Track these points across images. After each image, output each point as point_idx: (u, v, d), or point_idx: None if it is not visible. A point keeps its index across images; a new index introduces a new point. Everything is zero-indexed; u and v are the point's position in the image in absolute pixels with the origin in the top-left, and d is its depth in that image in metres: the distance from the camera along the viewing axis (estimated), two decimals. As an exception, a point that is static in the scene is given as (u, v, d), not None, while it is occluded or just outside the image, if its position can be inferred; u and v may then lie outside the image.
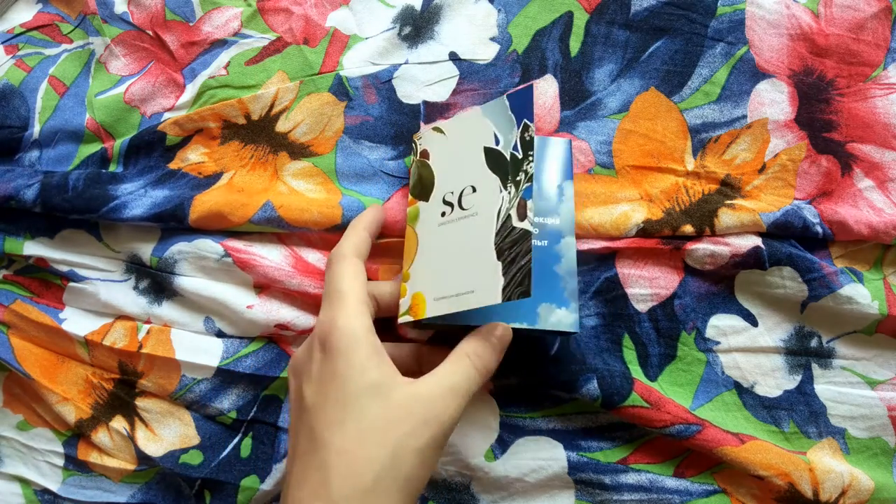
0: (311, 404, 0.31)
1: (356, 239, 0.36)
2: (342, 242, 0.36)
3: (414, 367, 0.37)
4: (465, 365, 0.32)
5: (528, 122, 0.35)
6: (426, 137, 0.40)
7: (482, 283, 0.33)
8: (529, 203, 0.33)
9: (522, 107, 0.36)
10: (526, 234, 0.32)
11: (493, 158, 0.36)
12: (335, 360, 0.31)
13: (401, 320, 0.36)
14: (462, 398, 0.31)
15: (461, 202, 0.36)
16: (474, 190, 0.36)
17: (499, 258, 0.33)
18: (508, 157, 0.35)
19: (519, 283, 0.31)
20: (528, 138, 0.35)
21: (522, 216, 0.33)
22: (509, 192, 0.34)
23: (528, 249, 0.32)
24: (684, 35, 0.43)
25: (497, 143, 0.36)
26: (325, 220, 0.41)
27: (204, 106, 0.44)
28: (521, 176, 0.34)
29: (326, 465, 0.29)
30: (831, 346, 0.41)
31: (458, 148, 0.38)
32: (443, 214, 0.37)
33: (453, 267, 0.35)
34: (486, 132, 0.37)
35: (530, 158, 0.34)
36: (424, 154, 0.40)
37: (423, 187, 0.39)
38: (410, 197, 0.39)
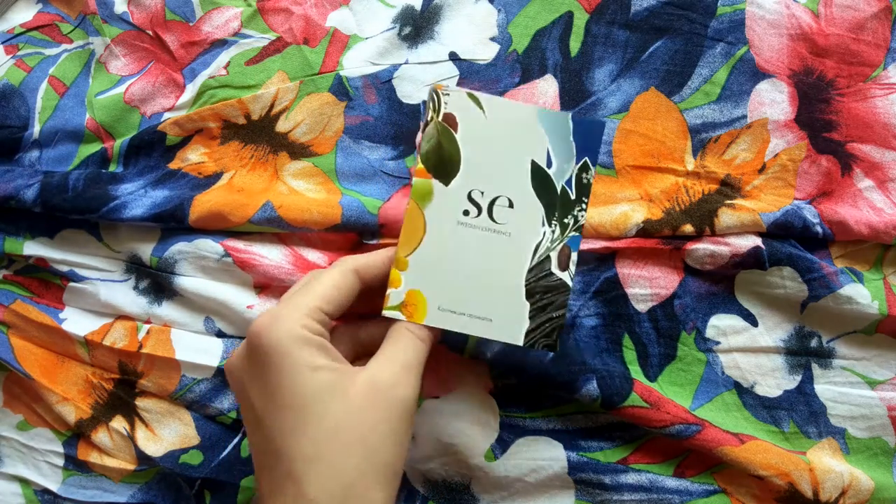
0: (263, 414, 0.29)
1: (367, 258, 0.33)
2: (351, 256, 0.34)
3: (355, 346, 0.35)
4: (410, 338, 0.32)
5: (591, 163, 0.33)
6: (455, 99, 0.34)
7: (504, 317, 0.32)
8: (574, 255, 0.32)
9: (588, 140, 0.33)
10: (564, 288, 0.32)
11: (541, 180, 0.33)
12: (280, 363, 0.28)
13: (387, 313, 0.33)
14: (416, 372, 0.31)
15: (492, 211, 0.33)
16: (511, 205, 0.33)
17: (528, 298, 0.32)
18: (559, 190, 0.32)
19: (546, 335, 0.31)
20: (585, 181, 0.32)
21: (564, 265, 0.32)
22: (552, 231, 0.32)
23: (564, 304, 0.31)
24: (684, 35, 0.43)
25: (549, 164, 0.33)
26: (325, 219, 0.41)
27: (204, 106, 0.44)
28: (570, 220, 0.32)
29: (296, 474, 0.27)
30: (831, 346, 0.41)
31: (497, 140, 0.34)
32: (466, 213, 0.33)
33: (471, 282, 0.32)
34: (538, 143, 0.33)
35: (584, 205, 0.32)
36: (450, 120, 0.34)
37: (442, 163, 0.33)
38: (420, 165, 0.34)
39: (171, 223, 0.42)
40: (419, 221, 0.33)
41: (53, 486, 0.43)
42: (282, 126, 0.44)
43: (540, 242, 0.32)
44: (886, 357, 0.40)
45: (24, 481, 0.44)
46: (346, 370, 0.30)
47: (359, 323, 0.35)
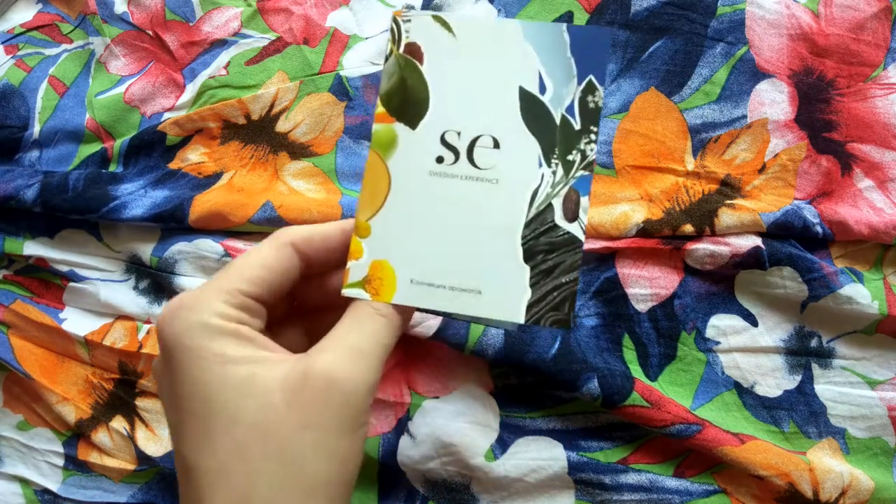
0: (170, 421, 0.24)
1: (313, 229, 0.27)
2: (293, 227, 0.28)
3: (313, 340, 0.29)
4: (366, 316, 0.25)
5: (597, 82, 0.26)
6: (419, 25, 0.28)
7: (497, 288, 0.26)
8: (584, 201, 0.26)
9: (591, 54, 0.26)
10: (574, 243, 0.25)
11: (534, 110, 0.26)
12: (183, 359, 0.23)
13: (347, 292, 0.26)
14: (371, 358, 0.24)
15: (472, 154, 0.27)
16: (496, 144, 0.27)
17: (527, 260, 0.26)
18: (558, 120, 0.26)
19: (555, 307, 0.25)
20: (592, 105, 0.26)
21: (572, 215, 0.26)
22: (553, 171, 0.26)
23: (576, 265, 0.25)
24: (684, 35, 0.43)
25: (542, 90, 0.27)
26: (325, 219, 0.41)
27: (204, 106, 0.44)
28: (576, 156, 0.26)
29: (200, 493, 0.23)
30: (831, 346, 0.41)
31: (475, 68, 0.27)
32: (439, 160, 0.27)
33: (452, 246, 0.26)
34: (526, 65, 0.27)
35: (593, 136, 0.26)
36: (414, 50, 0.28)
37: (406, 102, 0.27)
38: (380, 108, 0.28)
39: (171, 223, 0.42)
40: (382, 176, 0.27)
41: (53, 486, 0.43)
42: (282, 126, 0.44)
43: (538, 188, 0.26)
44: (886, 357, 0.40)
45: (24, 481, 0.44)
46: (270, 361, 0.24)
47: (320, 309, 0.29)
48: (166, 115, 0.45)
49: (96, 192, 0.42)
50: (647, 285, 0.41)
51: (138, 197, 0.42)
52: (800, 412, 0.40)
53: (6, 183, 0.43)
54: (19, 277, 0.45)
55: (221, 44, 0.45)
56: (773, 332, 0.40)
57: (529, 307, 0.25)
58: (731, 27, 0.43)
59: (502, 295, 0.25)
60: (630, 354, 0.40)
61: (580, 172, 0.26)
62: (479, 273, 0.26)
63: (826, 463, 0.38)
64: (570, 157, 0.26)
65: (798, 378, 0.40)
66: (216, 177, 0.43)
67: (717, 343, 0.40)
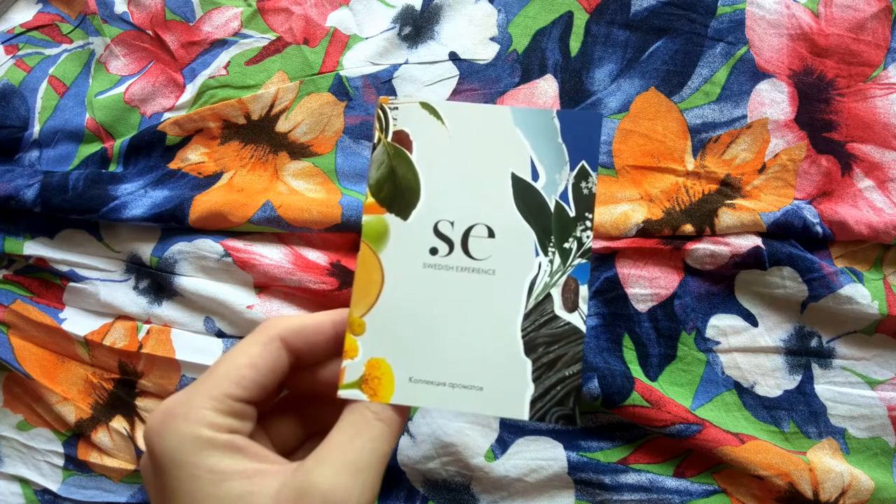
0: None
1: (302, 322, 0.26)
2: (283, 316, 0.27)
3: (308, 430, 0.28)
4: (365, 424, 0.24)
5: (590, 168, 0.26)
6: (406, 113, 0.27)
7: (499, 384, 0.25)
8: (583, 290, 0.25)
9: (583, 139, 0.26)
10: (576, 334, 0.25)
11: (527, 197, 0.26)
12: (176, 474, 0.22)
13: (344, 394, 0.25)
14: (369, 473, 0.23)
15: (467, 244, 0.26)
16: (491, 233, 0.26)
17: (528, 353, 0.25)
18: (552, 207, 0.26)
19: (559, 402, 0.24)
20: (585, 191, 0.26)
21: (572, 305, 0.25)
22: (550, 260, 0.25)
23: (579, 357, 0.24)
24: (684, 35, 0.43)
25: (535, 176, 0.26)
26: (325, 219, 0.41)
27: (204, 106, 0.44)
28: (573, 244, 0.25)
29: None
30: (831, 346, 0.41)
31: (465, 155, 0.27)
32: (433, 252, 0.26)
33: (450, 341, 0.25)
34: (518, 152, 0.26)
35: (588, 223, 0.25)
36: (402, 139, 0.27)
37: (397, 192, 0.27)
38: (370, 198, 0.27)
39: (171, 223, 0.42)
40: (375, 270, 0.26)
41: (53, 486, 0.43)
42: (282, 126, 0.44)
43: (535, 278, 0.25)
44: (886, 357, 0.40)
45: (24, 481, 0.44)
46: (263, 475, 0.23)
47: (313, 399, 0.28)
48: (166, 115, 0.45)
49: (96, 192, 0.42)
50: (647, 285, 0.41)
51: (138, 197, 0.42)
52: (800, 412, 0.40)
53: (6, 183, 0.43)
54: (19, 277, 0.45)
55: (221, 44, 0.45)
56: (773, 332, 0.40)
57: (533, 402, 0.24)
58: (731, 27, 0.43)
59: (504, 391, 0.25)
60: (630, 354, 0.40)
61: (578, 260, 0.25)
62: (480, 368, 0.25)
63: (826, 463, 0.38)
64: (566, 245, 0.26)
65: (798, 378, 0.40)
66: (216, 177, 0.43)
67: (717, 343, 0.40)
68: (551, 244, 0.26)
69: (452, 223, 0.26)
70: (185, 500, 0.22)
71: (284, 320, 0.26)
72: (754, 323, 0.41)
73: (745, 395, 0.40)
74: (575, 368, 0.24)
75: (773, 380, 0.40)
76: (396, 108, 0.27)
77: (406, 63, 0.44)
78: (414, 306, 0.26)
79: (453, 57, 0.44)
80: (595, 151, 0.26)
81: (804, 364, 0.40)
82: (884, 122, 0.42)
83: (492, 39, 0.44)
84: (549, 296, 0.25)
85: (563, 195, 0.26)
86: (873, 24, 0.43)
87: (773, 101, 0.42)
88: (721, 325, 0.41)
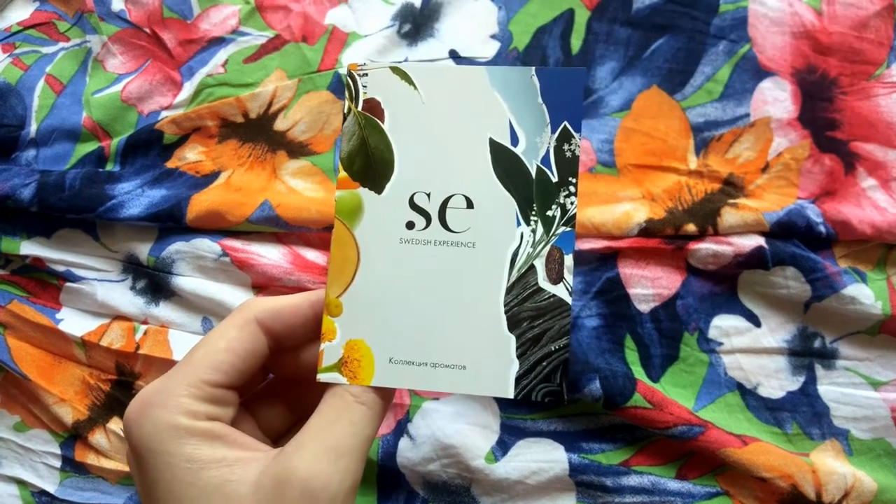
0: None
1: (280, 304, 0.25)
2: (260, 298, 0.26)
3: (293, 415, 0.28)
4: (345, 407, 0.24)
5: (573, 129, 0.25)
6: (377, 79, 0.26)
7: (482, 362, 0.24)
8: (568, 259, 0.24)
9: (564, 98, 0.24)
10: (562, 307, 0.24)
11: (506, 164, 0.25)
12: (154, 463, 0.22)
13: (323, 377, 0.25)
14: (351, 457, 0.23)
15: (444, 216, 0.25)
16: (469, 204, 0.25)
17: (512, 329, 0.24)
18: (534, 173, 0.25)
19: (545, 378, 0.23)
20: (568, 154, 0.24)
21: (557, 276, 0.24)
22: (532, 229, 0.24)
23: (566, 331, 0.24)
24: (687, 33, 0.43)
25: (514, 141, 0.25)
26: (324, 218, 0.40)
27: (201, 104, 0.44)
28: (556, 211, 0.24)
29: None
30: (835, 347, 0.40)
31: (440, 121, 0.25)
32: (410, 226, 0.25)
33: (428, 317, 0.24)
34: (495, 115, 0.25)
35: (572, 188, 0.24)
36: (373, 107, 0.26)
37: (369, 164, 0.26)
38: (342, 173, 0.26)
39: (169, 222, 0.41)
40: (349, 247, 0.25)
41: (50, 488, 0.42)
42: (280, 124, 0.43)
43: (517, 249, 0.24)
44: (890, 358, 0.40)
45: (21, 483, 0.43)
46: (242, 462, 0.22)
47: (298, 382, 0.28)
48: (164, 114, 0.44)
49: (93, 192, 0.42)
50: (649, 285, 0.40)
51: (135, 196, 0.42)
52: (803, 413, 0.40)
53: (2, 182, 0.43)
54: (16, 277, 0.45)
55: (219, 41, 0.45)
56: (776, 332, 0.40)
57: (518, 380, 0.24)
58: (733, 25, 0.43)
59: (488, 369, 0.24)
60: (632, 355, 0.40)
61: (562, 228, 0.24)
62: (462, 346, 0.24)
63: (829, 465, 0.38)
64: (549, 213, 0.24)
65: (801, 379, 0.40)
66: (214, 176, 0.43)
67: (720, 344, 0.40)
68: (533, 213, 0.24)
69: (429, 195, 0.25)
70: (164, 489, 0.22)
71: (261, 302, 0.25)
72: (757, 323, 0.40)
73: (748, 396, 0.40)
74: (562, 342, 0.23)
75: (777, 381, 0.40)
76: (366, 75, 0.26)
77: (406, 61, 0.44)
78: (392, 284, 0.25)
79: (453, 55, 0.43)
80: (578, 110, 0.25)
81: (807, 365, 0.40)
82: (887, 121, 0.41)
83: (492, 37, 0.44)
84: (532, 267, 0.24)
85: (545, 159, 0.25)
86: (876, 23, 0.42)
87: (775, 99, 0.42)
88: (724, 325, 0.40)
